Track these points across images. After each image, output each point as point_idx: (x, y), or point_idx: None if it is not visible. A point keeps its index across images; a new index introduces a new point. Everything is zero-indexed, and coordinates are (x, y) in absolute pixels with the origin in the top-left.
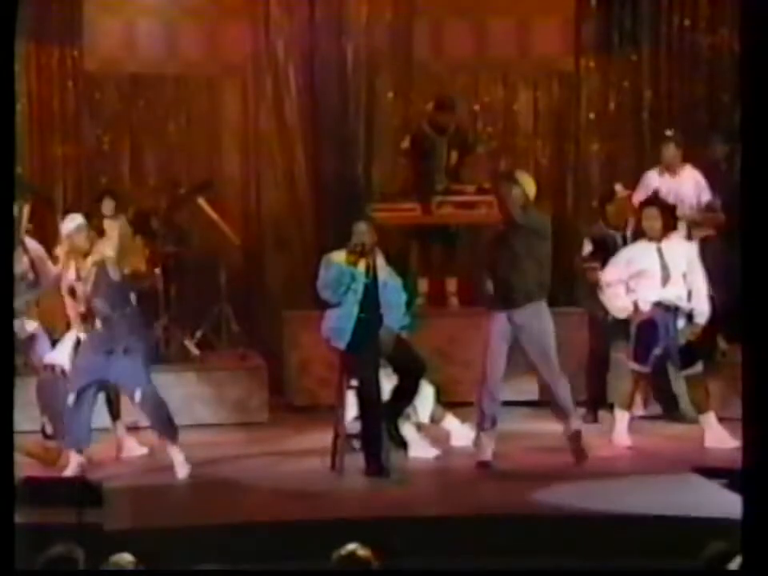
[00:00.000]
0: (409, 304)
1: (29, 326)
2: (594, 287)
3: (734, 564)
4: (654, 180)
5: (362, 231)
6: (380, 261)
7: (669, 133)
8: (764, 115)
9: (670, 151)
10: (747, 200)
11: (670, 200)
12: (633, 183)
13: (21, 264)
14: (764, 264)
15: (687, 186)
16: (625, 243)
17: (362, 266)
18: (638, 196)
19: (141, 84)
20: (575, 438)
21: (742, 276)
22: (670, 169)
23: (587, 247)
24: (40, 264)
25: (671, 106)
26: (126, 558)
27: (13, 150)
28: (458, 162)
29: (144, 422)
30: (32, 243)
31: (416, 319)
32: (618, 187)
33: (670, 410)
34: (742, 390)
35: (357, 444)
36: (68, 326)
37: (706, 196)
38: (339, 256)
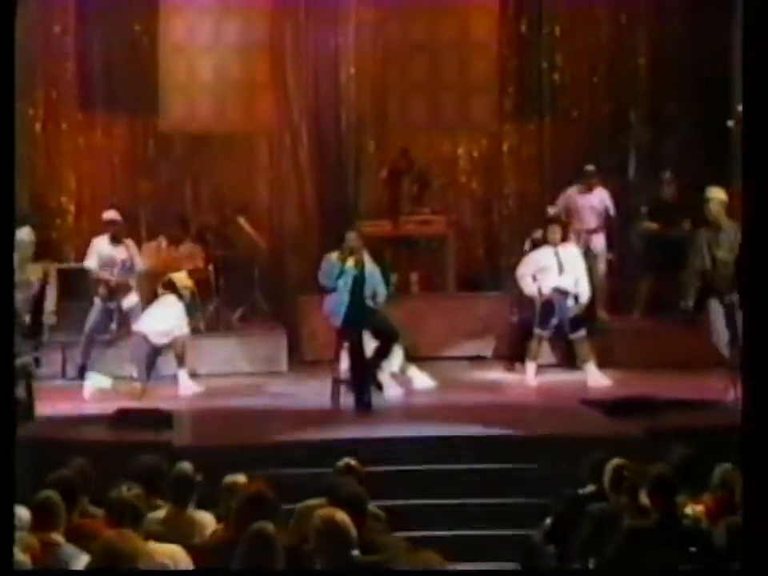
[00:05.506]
0: (387, 284)
1: (130, 300)
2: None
3: (608, 468)
4: (572, 196)
5: (351, 238)
6: (366, 258)
7: (590, 168)
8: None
9: (591, 177)
10: (747, 189)
11: (586, 209)
12: (541, 212)
13: (123, 254)
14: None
15: (597, 199)
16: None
17: (351, 262)
18: (560, 203)
19: (199, 139)
20: None
21: (742, 236)
22: (588, 187)
23: (527, 245)
24: (135, 255)
25: (566, 156)
26: (186, 466)
27: (12, 158)
28: (418, 192)
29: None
30: (129, 240)
31: (391, 297)
32: (551, 209)
33: (569, 361)
34: (742, 342)
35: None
36: (154, 298)
37: (610, 207)
38: (334, 255)
